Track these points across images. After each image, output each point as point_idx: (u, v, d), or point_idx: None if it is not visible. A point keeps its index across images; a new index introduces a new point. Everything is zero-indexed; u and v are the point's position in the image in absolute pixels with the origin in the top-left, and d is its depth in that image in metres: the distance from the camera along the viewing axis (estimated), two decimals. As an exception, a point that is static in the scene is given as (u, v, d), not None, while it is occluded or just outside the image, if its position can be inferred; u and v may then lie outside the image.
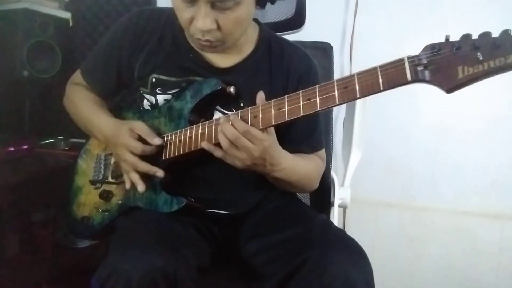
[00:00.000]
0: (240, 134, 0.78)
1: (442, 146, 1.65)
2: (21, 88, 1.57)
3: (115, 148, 0.95)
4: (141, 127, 0.93)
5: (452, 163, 1.65)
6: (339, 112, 1.59)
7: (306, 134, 0.99)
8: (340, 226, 1.51)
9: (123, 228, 0.85)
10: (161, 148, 0.93)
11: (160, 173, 0.90)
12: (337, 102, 0.73)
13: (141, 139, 0.91)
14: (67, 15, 1.66)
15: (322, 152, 1.04)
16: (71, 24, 1.68)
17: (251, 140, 0.79)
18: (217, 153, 0.83)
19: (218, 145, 0.83)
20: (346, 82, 0.72)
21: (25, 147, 1.48)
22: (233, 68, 0.97)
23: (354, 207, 1.40)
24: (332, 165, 1.27)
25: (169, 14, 1.01)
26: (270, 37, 1.01)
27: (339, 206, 1.23)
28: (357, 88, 0.70)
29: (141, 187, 0.91)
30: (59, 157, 1.47)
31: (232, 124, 0.79)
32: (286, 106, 0.77)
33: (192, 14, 0.82)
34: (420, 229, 1.71)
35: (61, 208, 1.11)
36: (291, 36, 1.11)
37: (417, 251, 1.72)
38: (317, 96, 0.74)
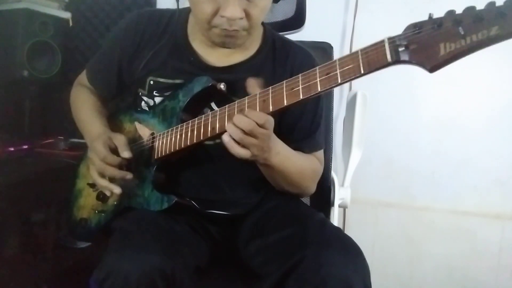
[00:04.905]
0: (254, 124, 0.75)
1: (442, 146, 1.65)
2: (21, 88, 1.57)
3: (90, 152, 0.97)
4: (119, 138, 0.94)
5: (452, 163, 1.65)
6: (339, 112, 1.59)
7: (307, 133, 0.99)
8: (340, 226, 1.51)
9: (121, 229, 0.85)
10: (130, 160, 0.92)
11: (117, 190, 0.91)
12: (319, 90, 0.70)
13: (115, 150, 0.92)
14: (67, 15, 1.65)
15: (321, 153, 1.04)
16: (71, 24, 1.67)
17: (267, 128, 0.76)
18: (238, 150, 0.78)
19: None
20: (328, 69, 0.70)
21: (25, 147, 1.48)
22: (236, 66, 0.97)
23: (354, 207, 1.40)
24: (332, 165, 1.27)
25: (170, 16, 1.01)
26: (274, 37, 1.02)
27: (339, 206, 1.23)
28: (338, 73, 0.68)
29: (117, 190, 0.91)
30: (59, 157, 1.47)
31: (246, 116, 0.76)
32: (270, 97, 0.76)
33: (217, 6, 0.82)
34: (420, 229, 1.71)
35: (63, 210, 1.12)
36: (291, 36, 1.11)
37: (417, 251, 1.72)
38: (300, 85, 0.72)
